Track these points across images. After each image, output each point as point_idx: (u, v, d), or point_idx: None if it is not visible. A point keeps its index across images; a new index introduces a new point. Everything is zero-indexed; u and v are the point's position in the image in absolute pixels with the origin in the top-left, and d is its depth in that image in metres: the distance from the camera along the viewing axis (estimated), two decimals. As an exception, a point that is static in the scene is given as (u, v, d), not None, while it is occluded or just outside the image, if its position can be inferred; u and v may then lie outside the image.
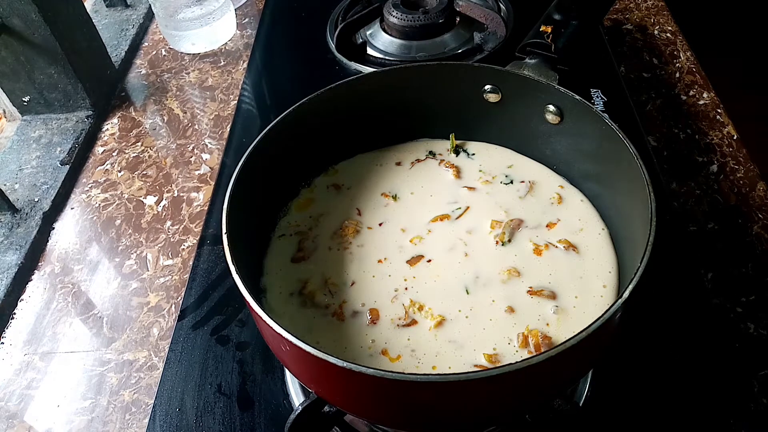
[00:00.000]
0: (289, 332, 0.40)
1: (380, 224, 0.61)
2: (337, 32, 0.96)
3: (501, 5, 1.01)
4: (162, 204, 0.84)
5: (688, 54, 0.99)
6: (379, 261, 0.57)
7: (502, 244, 0.58)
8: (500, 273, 0.55)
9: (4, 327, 0.73)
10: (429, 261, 0.57)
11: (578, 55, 0.64)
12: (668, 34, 1.03)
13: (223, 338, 0.65)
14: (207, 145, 0.92)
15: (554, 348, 0.38)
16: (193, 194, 0.85)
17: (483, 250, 0.57)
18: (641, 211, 0.47)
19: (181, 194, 0.85)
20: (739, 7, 2.40)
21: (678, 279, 0.65)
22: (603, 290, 0.53)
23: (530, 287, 0.54)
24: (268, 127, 0.56)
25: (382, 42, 0.97)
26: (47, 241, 0.81)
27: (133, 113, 0.99)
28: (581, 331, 0.39)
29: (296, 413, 0.51)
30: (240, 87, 0.98)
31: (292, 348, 0.40)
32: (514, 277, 0.55)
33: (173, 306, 0.72)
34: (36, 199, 0.84)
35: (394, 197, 0.63)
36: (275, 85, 0.97)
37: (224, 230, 0.48)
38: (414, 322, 0.52)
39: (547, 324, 0.51)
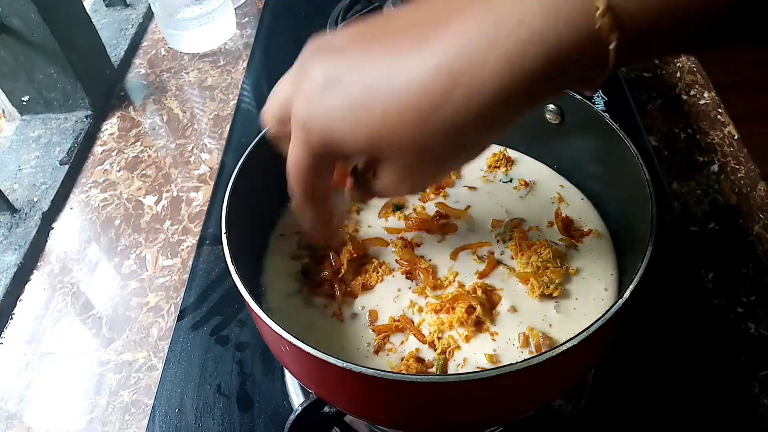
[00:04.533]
0: (288, 332, 0.40)
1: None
2: (337, 32, 0.95)
3: (501, 5, 1.01)
4: (161, 204, 0.84)
5: (688, 53, 0.99)
6: (379, 262, 0.57)
7: (503, 243, 0.57)
8: (501, 273, 0.55)
9: (3, 327, 0.72)
10: (429, 260, 0.57)
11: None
12: (669, 34, 1.03)
13: (223, 338, 0.65)
14: (206, 145, 0.92)
15: (555, 348, 0.38)
16: (193, 194, 0.85)
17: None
18: (642, 211, 0.47)
19: (181, 194, 0.85)
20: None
21: (679, 279, 0.65)
22: (604, 291, 0.53)
23: (533, 286, 0.53)
24: (267, 127, 0.55)
25: (382, 41, 0.97)
26: (46, 241, 0.81)
27: (133, 113, 0.99)
28: (582, 332, 0.38)
29: (296, 414, 0.51)
30: (240, 86, 0.98)
31: (291, 348, 0.40)
32: (515, 276, 0.55)
33: (173, 306, 0.72)
34: (35, 199, 0.84)
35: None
36: (275, 84, 0.96)
37: (223, 230, 0.47)
38: (413, 322, 0.52)
39: (551, 325, 0.51)
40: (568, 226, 0.58)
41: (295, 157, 0.38)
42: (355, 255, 0.56)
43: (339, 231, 0.56)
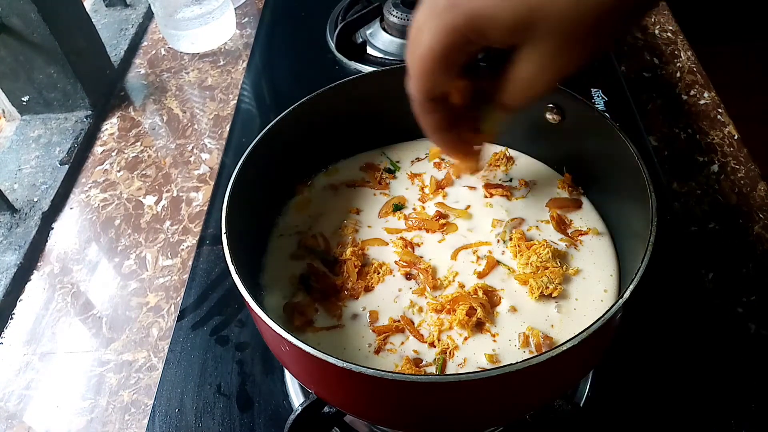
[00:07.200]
0: (288, 332, 0.40)
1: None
2: (337, 32, 0.95)
3: (501, 5, 1.01)
4: (161, 204, 0.84)
5: (688, 53, 0.99)
6: (380, 263, 0.57)
7: (504, 243, 0.57)
8: (501, 273, 0.55)
9: (3, 327, 0.72)
10: (429, 260, 0.57)
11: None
12: (669, 34, 1.03)
13: (223, 338, 0.65)
14: (206, 145, 0.92)
15: (555, 348, 0.38)
16: (193, 194, 0.85)
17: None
18: (642, 211, 0.47)
19: (181, 194, 0.85)
20: (740, 7, 2.40)
21: (679, 279, 0.65)
22: (603, 291, 0.53)
23: (531, 287, 0.53)
24: (267, 127, 0.55)
25: (382, 41, 0.97)
26: (46, 241, 0.81)
27: (133, 113, 0.99)
28: (582, 332, 0.38)
29: (296, 414, 0.51)
30: (239, 86, 0.98)
31: (291, 348, 0.40)
32: (515, 278, 0.55)
33: (173, 306, 0.72)
34: (35, 199, 0.84)
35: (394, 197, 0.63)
36: (275, 84, 0.96)
37: (224, 230, 0.47)
38: (413, 323, 0.52)
39: (552, 326, 0.51)
40: (563, 225, 0.58)
41: (428, 43, 0.40)
42: (358, 263, 0.56)
43: (479, 153, 0.57)
